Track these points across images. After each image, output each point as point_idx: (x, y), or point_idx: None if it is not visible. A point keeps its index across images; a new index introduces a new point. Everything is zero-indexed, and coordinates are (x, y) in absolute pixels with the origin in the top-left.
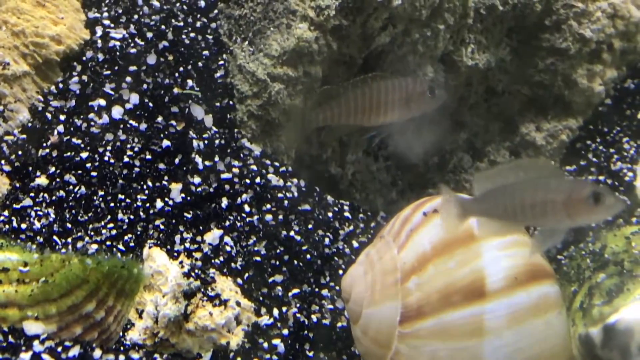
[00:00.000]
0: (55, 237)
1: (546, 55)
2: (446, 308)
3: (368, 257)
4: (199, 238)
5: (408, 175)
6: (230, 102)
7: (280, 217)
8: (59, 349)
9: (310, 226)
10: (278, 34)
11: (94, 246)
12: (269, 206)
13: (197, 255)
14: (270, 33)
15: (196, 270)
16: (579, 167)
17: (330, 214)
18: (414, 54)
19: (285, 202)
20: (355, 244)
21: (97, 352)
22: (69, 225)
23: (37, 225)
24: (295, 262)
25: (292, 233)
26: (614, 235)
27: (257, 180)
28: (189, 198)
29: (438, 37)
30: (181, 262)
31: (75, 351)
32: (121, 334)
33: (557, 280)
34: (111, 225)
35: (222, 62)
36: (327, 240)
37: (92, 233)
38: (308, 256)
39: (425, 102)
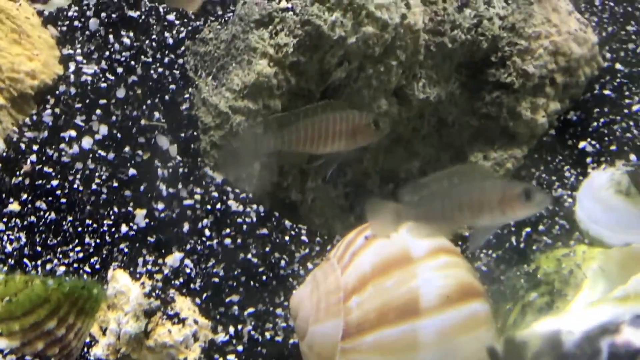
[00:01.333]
0: (25, 260)
1: (492, 89)
2: (383, 325)
3: (314, 278)
4: (160, 261)
5: (365, 200)
6: (195, 133)
7: (239, 240)
8: None
9: (267, 249)
10: (239, 70)
11: (62, 268)
12: (228, 230)
13: (158, 276)
14: (233, 69)
15: (157, 291)
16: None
17: (287, 238)
18: (368, 87)
19: (244, 226)
20: (310, 265)
21: None
22: (39, 248)
23: (9, 248)
24: (252, 282)
25: (249, 256)
26: (546, 257)
27: (218, 206)
28: (152, 223)
29: (391, 73)
30: (143, 283)
31: None
32: (85, 350)
33: (487, 298)
34: (78, 248)
35: (187, 96)
36: (282, 263)
37: (61, 256)
38: (264, 277)
39: (370, 134)
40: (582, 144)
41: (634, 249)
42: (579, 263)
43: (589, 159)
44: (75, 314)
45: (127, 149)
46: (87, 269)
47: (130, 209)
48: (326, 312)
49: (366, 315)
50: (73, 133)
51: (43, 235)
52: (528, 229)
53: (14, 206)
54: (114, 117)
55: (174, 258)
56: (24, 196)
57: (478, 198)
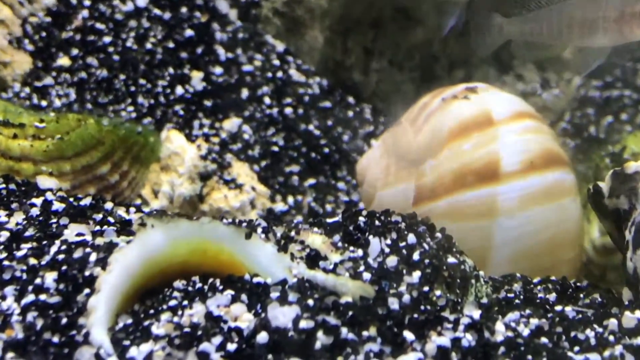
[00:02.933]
0: None
1: None
2: (459, 189)
3: (384, 141)
4: (217, 125)
5: (433, 87)
6: None
7: (300, 111)
8: (71, 198)
9: (330, 122)
10: None
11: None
12: (289, 100)
13: (215, 140)
14: None
15: (213, 154)
16: (604, 82)
17: (351, 113)
18: None
19: (306, 97)
20: (374, 142)
21: (109, 205)
22: (89, 105)
23: (58, 103)
24: (313, 154)
25: (311, 127)
26: (635, 136)
27: (279, 74)
28: (209, 86)
29: None
30: (199, 146)
31: (86, 201)
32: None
33: (573, 168)
34: (131, 108)
35: None
36: (345, 137)
37: (112, 114)
38: (326, 150)
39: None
40: None
41: None
42: None
43: None
44: (129, 162)
45: (184, 9)
46: (139, 129)
47: (186, 71)
48: (396, 175)
49: (441, 179)
50: None
51: (94, 93)
52: (610, 119)
53: (64, 61)
54: None
55: (231, 123)
56: (75, 51)
57: (592, 15)
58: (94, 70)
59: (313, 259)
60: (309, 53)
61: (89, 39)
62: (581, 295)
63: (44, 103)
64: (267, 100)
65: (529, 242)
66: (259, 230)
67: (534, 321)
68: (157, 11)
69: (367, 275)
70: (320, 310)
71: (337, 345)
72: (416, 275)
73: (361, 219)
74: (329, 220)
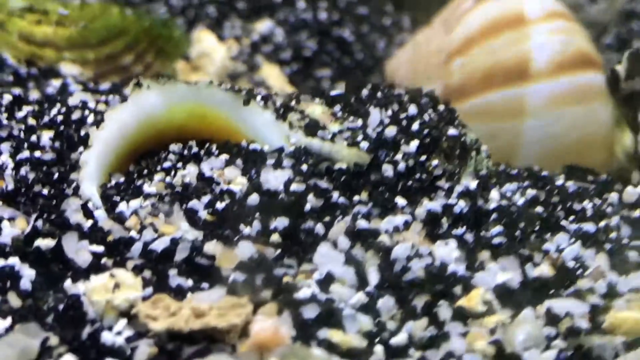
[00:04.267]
0: None
1: None
2: (488, 88)
3: (415, 41)
4: (249, 26)
5: None
6: None
7: (335, 17)
8: (91, 83)
9: (365, 29)
10: None
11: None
12: (324, 4)
13: (246, 42)
14: None
15: (244, 56)
16: None
17: (388, 22)
18: None
19: (342, 3)
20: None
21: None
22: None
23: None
24: (347, 60)
25: (346, 32)
26: None
27: None
28: None
29: None
30: (229, 47)
31: (105, 85)
32: None
33: (605, 71)
34: (164, 9)
35: None
36: (381, 44)
37: (145, 14)
38: (360, 55)
39: None
40: None
41: None
42: None
43: None
44: (154, 54)
45: None
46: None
47: None
48: (424, 75)
49: (470, 78)
50: None
51: None
52: None
53: None
54: None
55: (264, 25)
56: None
57: None
58: None
59: (312, 127)
60: None
61: None
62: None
63: None
64: (301, 3)
65: (556, 142)
66: (258, 98)
67: (531, 192)
68: None
69: (364, 144)
70: (313, 175)
71: (327, 207)
72: (414, 144)
73: (364, 91)
74: (332, 92)
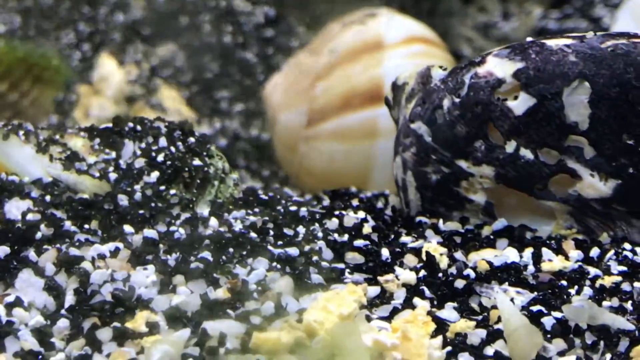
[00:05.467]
0: (16, 41)
1: None
2: (345, 111)
3: (288, 66)
4: (152, 50)
5: None
6: None
7: (240, 40)
8: None
9: (270, 51)
10: None
11: (54, 50)
12: (230, 28)
13: (146, 66)
14: None
15: (142, 79)
16: (563, 13)
17: (295, 43)
18: None
19: (248, 26)
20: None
21: None
22: (32, 31)
23: (2, 29)
24: (248, 81)
25: (249, 55)
26: None
27: (222, 3)
28: (149, 14)
29: None
30: (129, 71)
31: None
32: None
33: None
34: (72, 34)
35: None
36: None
37: (54, 40)
38: (261, 77)
39: None
40: None
41: None
42: None
43: None
44: (30, 82)
45: None
46: (78, 54)
47: None
48: (295, 99)
49: (330, 102)
50: None
51: (38, 19)
52: None
53: None
54: None
55: (166, 49)
56: None
57: None
58: None
59: (70, 159)
60: None
61: None
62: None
63: None
64: (206, 27)
65: None
66: (21, 132)
67: (254, 218)
68: None
69: (113, 175)
70: (52, 205)
71: (58, 235)
72: (154, 175)
73: (129, 124)
74: (100, 126)
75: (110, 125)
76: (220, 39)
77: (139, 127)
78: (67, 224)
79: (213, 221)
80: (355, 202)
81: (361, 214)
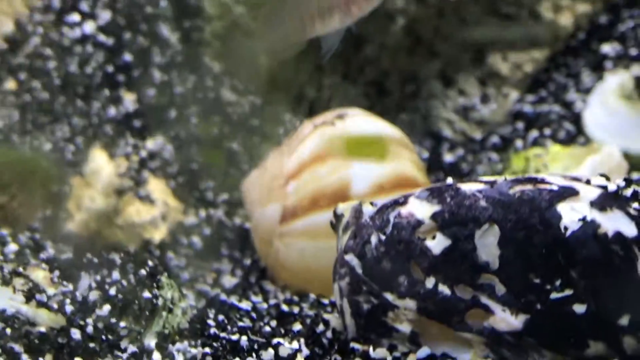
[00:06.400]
0: (14, 136)
1: None
2: (314, 210)
3: (265, 164)
4: (141, 144)
5: (385, 100)
6: (198, 23)
7: (226, 130)
8: None
9: (256, 140)
10: None
11: (48, 145)
12: (216, 119)
13: (135, 158)
14: None
15: (131, 172)
16: (539, 97)
17: (281, 129)
18: None
19: (234, 116)
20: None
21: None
22: (29, 125)
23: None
24: (233, 170)
25: (234, 145)
26: (517, 156)
27: (210, 94)
28: (140, 107)
29: None
30: (118, 164)
31: None
32: (59, 224)
33: None
34: (66, 128)
35: None
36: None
37: (49, 134)
38: (246, 166)
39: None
40: (604, 48)
41: (594, 149)
42: (547, 163)
43: (608, 63)
44: (19, 184)
45: (127, 35)
46: (71, 147)
47: (120, 93)
48: (269, 196)
49: (301, 201)
50: (77, 18)
51: (34, 114)
52: (535, 133)
53: (11, 84)
54: (119, 4)
55: (155, 142)
56: (22, 76)
57: (326, 3)
58: (37, 93)
59: (31, 292)
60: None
61: (36, 64)
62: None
63: None
64: (193, 119)
65: None
66: None
67: (194, 351)
68: (102, 37)
69: (69, 308)
70: (11, 339)
71: None
72: (106, 308)
73: (88, 255)
74: (62, 257)
75: (71, 255)
76: (207, 129)
77: (95, 260)
78: (24, 357)
79: (156, 355)
80: (297, 327)
81: (295, 345)
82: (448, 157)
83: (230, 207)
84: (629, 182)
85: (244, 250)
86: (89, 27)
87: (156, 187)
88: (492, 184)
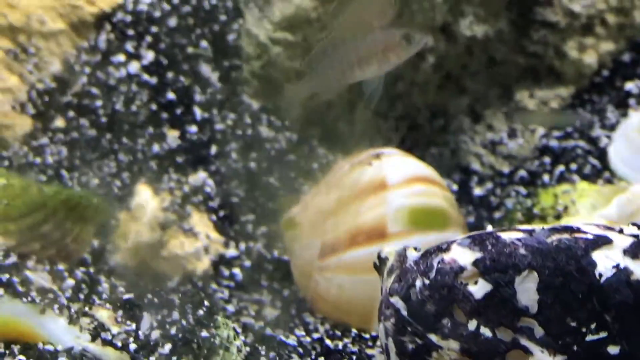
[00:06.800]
0: (63, 172)
1: (539, 27)
2: (352, 246)
3: (305, 200)
4: (184, 179)
5: (415, 134)
6: (237, 62)
7: (264, 165)
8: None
9: (291, 174)
10: (280, 1)
11: (96, 181)
12: (254, 154)
13: (178, 193)
14: (275, 0)
15: (174, 206)
16: (564, 133)
17: (316, 164)
18: (413, 24)
19: (272, 152)
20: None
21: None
22: (77, 161)
23: (50, 160)
24: (271, 204)
25: (271, 179)
26: (546, 193)
27: (248, 131)
28: (182, 144)
29: (435, 9)
30: (163, 199)
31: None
32: (107, 256)
33: (464, 228)
34: (113, 163)
35: (236, 26)
36: (305, 187)
37: (96, 170)
38: (282, 200)
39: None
40: (628, 85)
41: (621, 188)
42: (574, 199)
43: (632, 100)
44: (72, 220)
45: (170, 74)
46: (117, 182)
47: (164, 130)
48: (309, 231)
49: (339, 237)
50: (122, 58)
51: (82, 150)
52: (562, 168)
53: (60, 122)
54: (162, 45)
55: (197, 177)
56: (70, 114)
57: (365, 52)
58: (85, 130)
59: (97, 330)
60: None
61: (83, 102)
62: None
63: (38, 160)
64: (233, 155)
65: None
66: (55, 306)
67: None
68: (145, 76)
69: (133, 346)
70: None
71: None
72: (167, 347)
73: (149, 295)
74: (124, 297)
75: (132, 296)
76: (246, 164)
77: (155, 300)
78: None
79: None
80: None
81: None
82: (477, 191)
83: (268, 240)
84: None
85: (283, 282)
86: (134, 67)
87: (199, 220)
88: (530, 232)
